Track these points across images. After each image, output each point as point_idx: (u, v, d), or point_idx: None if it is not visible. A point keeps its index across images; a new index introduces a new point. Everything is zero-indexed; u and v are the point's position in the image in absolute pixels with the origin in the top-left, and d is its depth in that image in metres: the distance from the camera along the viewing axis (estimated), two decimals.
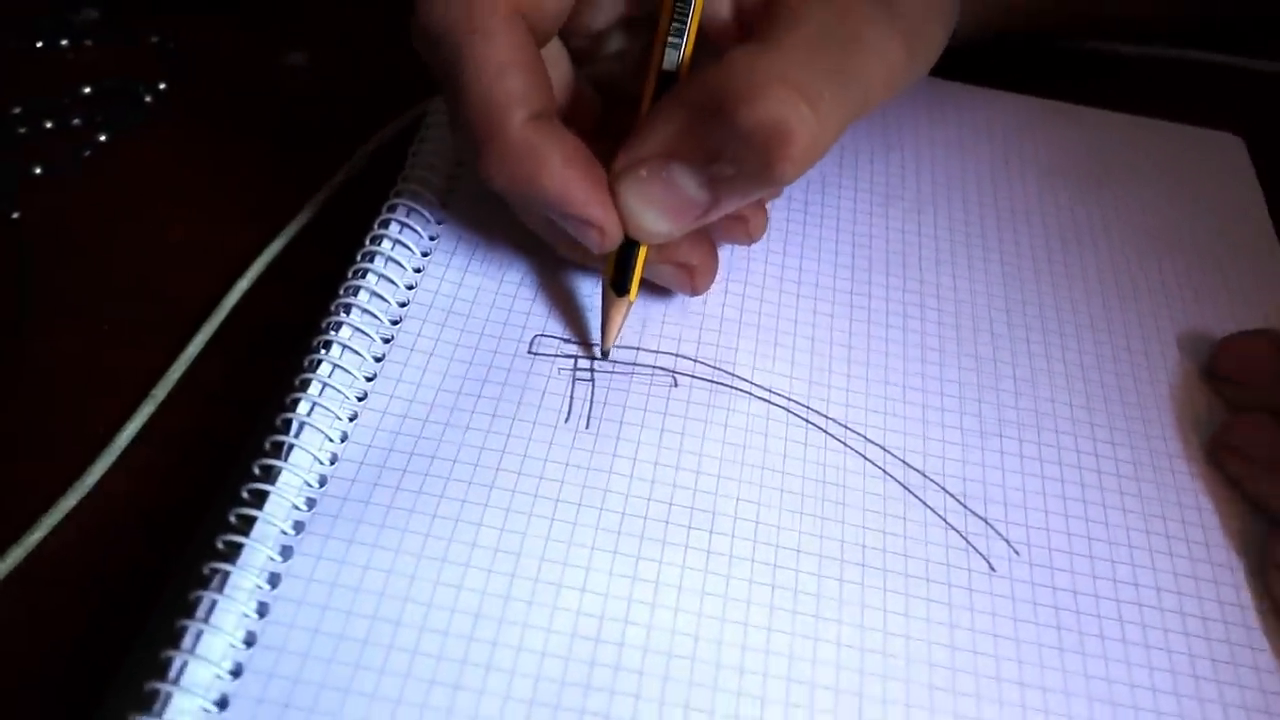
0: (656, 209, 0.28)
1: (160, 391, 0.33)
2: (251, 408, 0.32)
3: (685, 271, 0.31)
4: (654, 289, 0.33)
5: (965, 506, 0.30)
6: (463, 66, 0.26)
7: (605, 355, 0.31)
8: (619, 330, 0.31)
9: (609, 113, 0.33)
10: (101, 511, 0.30)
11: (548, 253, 0.33)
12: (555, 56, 0.30)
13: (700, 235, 0.31)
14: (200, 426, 0.32)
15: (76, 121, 0.41)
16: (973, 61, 0.45)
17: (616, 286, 0.30)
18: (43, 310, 0.35)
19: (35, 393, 0.33)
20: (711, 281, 0.32)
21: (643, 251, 0.30)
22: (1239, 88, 0.49)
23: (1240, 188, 0.42)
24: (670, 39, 0.28)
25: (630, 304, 0.30)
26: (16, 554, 0.29)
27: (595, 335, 0.32)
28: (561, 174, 0.27)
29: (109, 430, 0.32)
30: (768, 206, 0.33)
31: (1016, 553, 0.29)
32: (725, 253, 0.35)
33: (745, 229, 0.32)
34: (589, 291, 0.33)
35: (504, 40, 0.26)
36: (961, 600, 0.28)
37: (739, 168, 0.26)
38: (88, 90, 0.42)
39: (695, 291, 0.32)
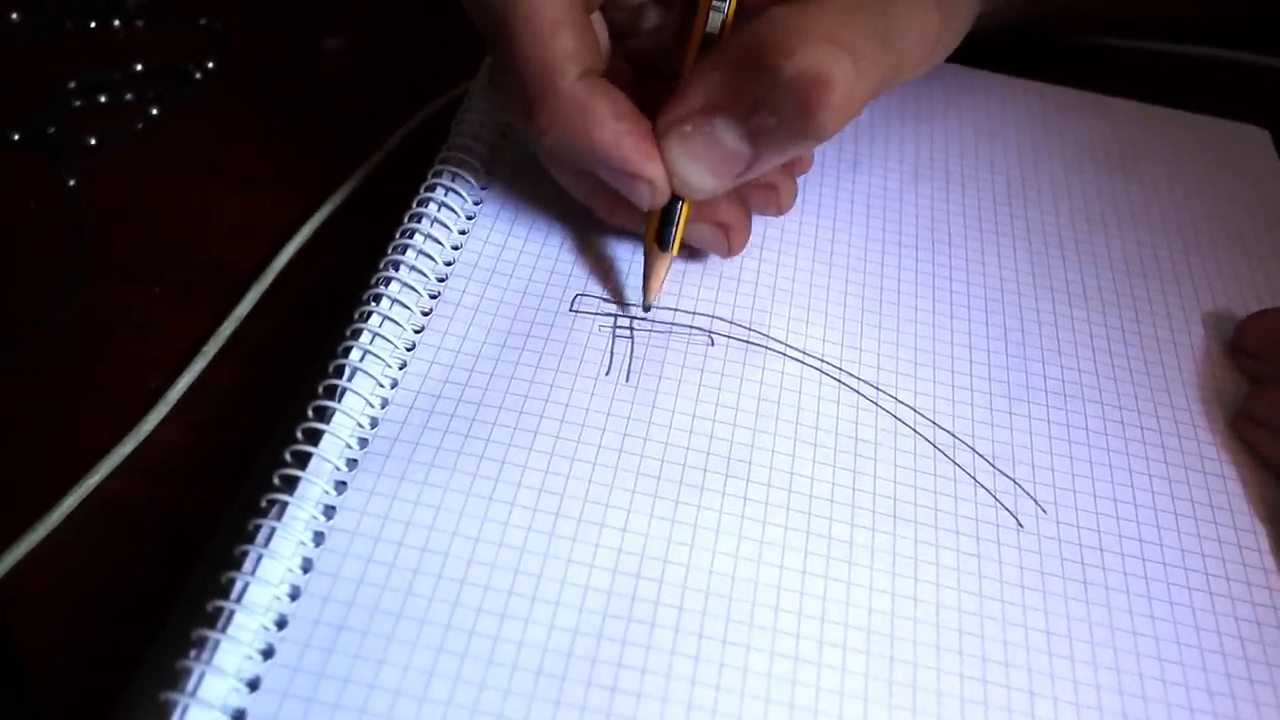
0: (700, 163, 0.28)
1: (211, 348, 0.34)
2: (296, 365, 0.33)
3: (722, 231, 0.32)
4: (690, 252, 0.34)
5: (994, 466, 0.30)
6: (515, 25, 0.27)
7: (647, 309, 0.32)
8: (661, 285, 0.32)
9: (641, 88, 0.34)
10: (157, 458, 0.31)
11: (588, 218, 0.34)
12: (596, 28, 0.31)
13: (736, 196, 0.32)
14: (248, 382, 0.33)
15: (129, 96, 0.42)
16: (1001, 54, 0.46)
17: (660, 242, 0.31)
18: (99, 271, 0.36)
19: (94, 348, 0.34)
20: (745, 242, 0.33)
21: (685, 208, 0.31)
22: (1263, 85, 0.50)
23: (1265, 177, 0.43)
24: (714, 2, 0.29)
25: (671, 259, 0.31)
26: (76, 495, 0.30)
27: (633, 295, 0.33)
28: (613, 128, 0.28)
29: (163, 384, 0.33)
30: (798, 181, 0.35)
31: (1044, 511, 0.30)
32: (759, 223, 0.36)
33: (775, 198, 0.33)
34: (626, 255, 0.34)
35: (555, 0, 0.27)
36: (990, 553, 0.28)
37: (780, 117, 0.27)
38: (139, 67, 0.44)
39: (730, 252, 0.33)
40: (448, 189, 0.34)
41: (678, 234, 0.31)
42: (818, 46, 0.25)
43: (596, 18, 0.31)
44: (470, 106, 0.37)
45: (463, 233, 0.34)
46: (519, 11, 0.27)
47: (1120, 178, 0.41)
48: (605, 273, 0.33)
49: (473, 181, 0.35)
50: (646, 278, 0.32)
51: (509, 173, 0.36)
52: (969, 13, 0.30)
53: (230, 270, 0.36)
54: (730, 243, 0.33)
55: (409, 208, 0.33)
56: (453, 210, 0.34)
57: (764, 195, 0.33)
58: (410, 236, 0.32)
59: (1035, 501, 0.30)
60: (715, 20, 0.29)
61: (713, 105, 0.28)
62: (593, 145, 0.28)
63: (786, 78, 0.25)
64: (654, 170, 0.28)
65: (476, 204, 0.35)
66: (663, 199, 0.29)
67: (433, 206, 0.33)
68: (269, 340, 0.35)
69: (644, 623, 0.25)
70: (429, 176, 0.34)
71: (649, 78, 0.34)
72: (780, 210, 0.34)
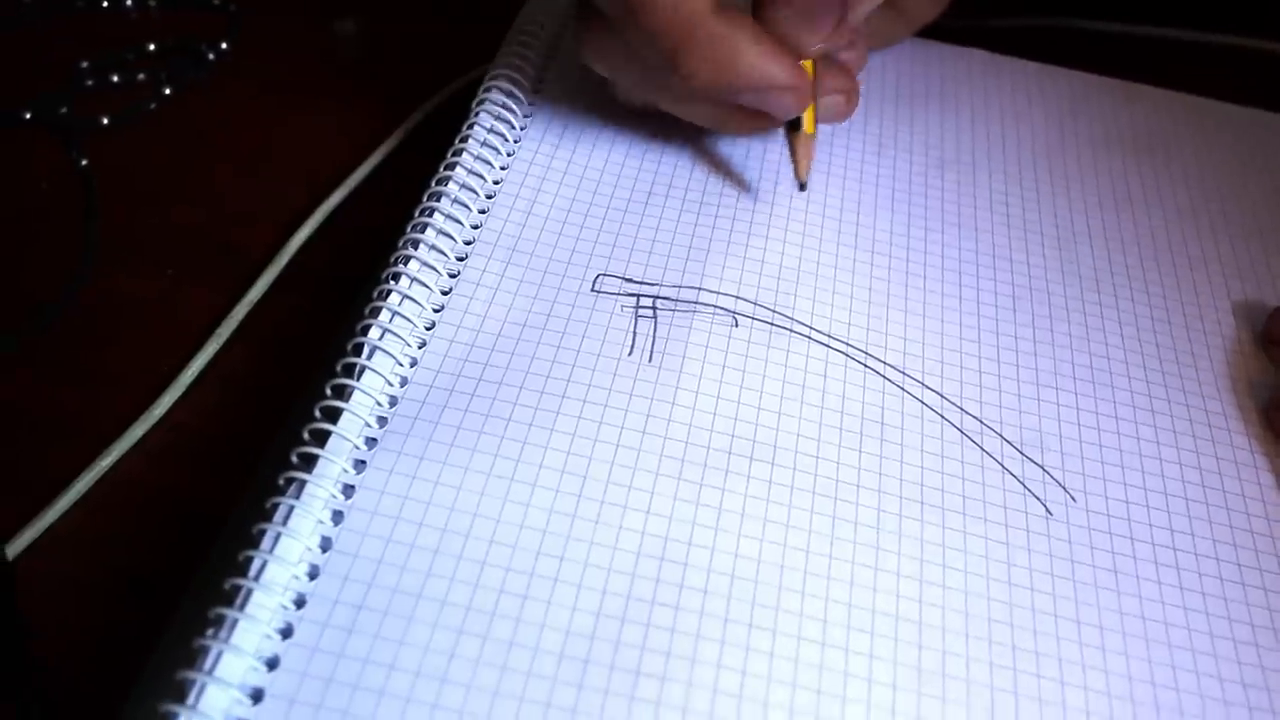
0: (800, 15, 0.30)
1: (224, 331, 0.33)
2: (309, 349, 0.32)
3: (843, 95, 0.35)
4: (707, 233, 0.34)
5: (1022, 453, 0.30)
6: None
7: (802, 188, 0.35)
8: (809, 163, 0.35)
9: None
10: (168, 442, 0.31)
11: (606, 197, 0.34)
12: None
13: (844, 70, 0.35)
14: (261, 366, 0.33)
15: (142, 76, 0.42)
16: (1027, 40, 0.45)
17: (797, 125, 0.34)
18: (110, 253, 0.35)
19: (105, 330, 0.33)
20: (858, 103, 0.36)
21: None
22: None
23: None
24: None
25: (815, 136, 0.34)
26: (88, 479, 0.29)
27: (656, 274, 0.32)
28: (757, 52, 0.29)
29: (175, 367, 0.32)
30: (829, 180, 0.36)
31: (1074, 499, 0.29)
32: (784, 201, 0.36)
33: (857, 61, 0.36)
34: (649, 235, 0.34)
35: None
36: (1019, 540, 0.28)
37: None
38: (152, 48, 0.43)
39: (849, 113, 0.35)
40: (469, 170, 0.33)
41: (811, 111, 0.33)
42: None
43: None
44: (490, 88, 0.36)
45: (483, 211, 0.33)
46: None
47: (1148, 165, 0.41)
48: (632, 248, 0.33)
49: (492, 161, 0.34)
50: (796, 159, 0.35)
51: (529, 153, 0.35)
52: None
53: (243, 253, 0.36)
54: (850, 105, 0.35)
55: (428, 186, 0.33)
56: (473, 190, 0.33)
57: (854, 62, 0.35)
58: (430, 215, 0.32)
59: (1064, 489, 0.29)
60: None
61: None
62: (739, 74, 0.29)
63: None
64: (800, 79, 0.30)
65: (496, 184, 0.34)
66: (808, 102, 0.32)
67: (453, 185, 0.33)
68: (282, 324, 0.34)
69: (668, 606, 0.25)
70: (448, 154, 0.34)
71: None
72: (858, 69, 0.36)
